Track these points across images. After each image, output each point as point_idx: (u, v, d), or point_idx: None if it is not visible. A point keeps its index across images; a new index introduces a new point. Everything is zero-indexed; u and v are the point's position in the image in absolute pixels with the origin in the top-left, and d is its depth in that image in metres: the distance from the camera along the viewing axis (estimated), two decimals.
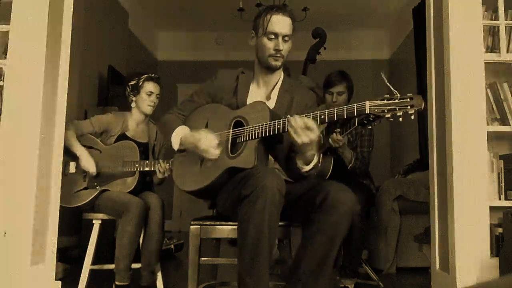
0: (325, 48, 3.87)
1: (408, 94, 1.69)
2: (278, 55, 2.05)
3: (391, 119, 1.70)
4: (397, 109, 1.68)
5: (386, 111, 1.69)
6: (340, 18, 6.33)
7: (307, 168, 1.93)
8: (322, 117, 1.81)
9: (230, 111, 2.07)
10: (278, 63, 2.07)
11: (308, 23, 4.09)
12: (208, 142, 1.99)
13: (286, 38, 2.05)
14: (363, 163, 3.10)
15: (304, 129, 1.78)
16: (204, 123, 2.11)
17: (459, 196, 2.39)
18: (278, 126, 1.87)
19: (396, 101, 1.68)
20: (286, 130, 1.85)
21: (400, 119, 1.68)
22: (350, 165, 3.03)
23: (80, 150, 2.78)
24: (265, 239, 1.69)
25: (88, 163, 2.76)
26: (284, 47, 2.05)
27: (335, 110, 1.79)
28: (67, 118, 2.66)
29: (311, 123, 1.78)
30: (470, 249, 2.36)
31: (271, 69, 2.11)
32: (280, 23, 2.03)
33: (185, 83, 6.97)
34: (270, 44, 2.04)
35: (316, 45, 3.83)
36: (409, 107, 1.67)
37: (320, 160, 1.97)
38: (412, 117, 1.67)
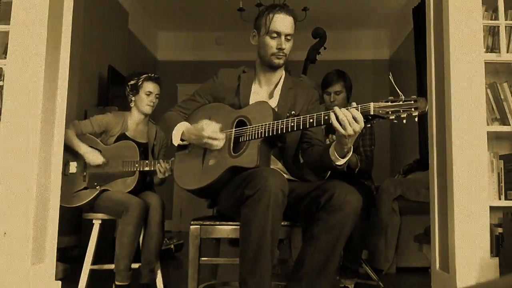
0: (325, 48, 3.87)
1: (412, 97, 1.67)
2: (281, 53, 2.06)
3: (395, 121, 1.69)
4: (401, 111, 1.66)
5: (390, 112, 1.67)
6: (340, 18, 6.32)
7: (342, 161, 1.87)
8: (326, 118, 1.77)
9: (232, 111, 2.07)
10: (281, 61, 2.08)
11: (308, 23, 4.09)
12: (212, 128, 1.98)
13: (289, 37, 2.06)
14: (367, 163, 3.08)
15: (352, 121, 1.71)
16: None
17: (459, 196, 2.38)
18: (282, 126, 1.86)
19: (400, 103, 1.66)
20: (289, 129, 1.84)
21: (404, 121, 1.67)
22: (357, 168, 3.00)
23: (82, 148, 2.79)
24: (268, 240, 1.69)
25: (94, 157, 2.77)
26: (287, 46, 2.06)
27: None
28: (67, 118, 2.66)
29: (358, 114, 1.71)
30: (470, 249, 2.36)
31: (273, 68, 2.11)
32: (282, 22, 2.04)
33: (185, 83, 6.96)
34: (272, 43, 2.05)
35: (316, 45, 3.83)
36: (413, 109, 1.65)
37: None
38: (416, 119, 1.66)
